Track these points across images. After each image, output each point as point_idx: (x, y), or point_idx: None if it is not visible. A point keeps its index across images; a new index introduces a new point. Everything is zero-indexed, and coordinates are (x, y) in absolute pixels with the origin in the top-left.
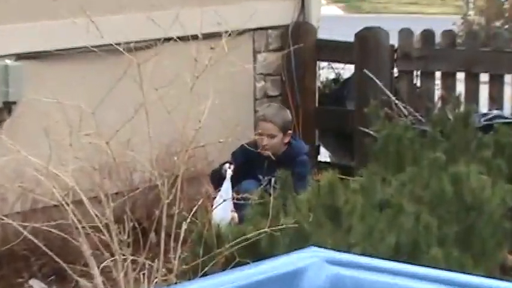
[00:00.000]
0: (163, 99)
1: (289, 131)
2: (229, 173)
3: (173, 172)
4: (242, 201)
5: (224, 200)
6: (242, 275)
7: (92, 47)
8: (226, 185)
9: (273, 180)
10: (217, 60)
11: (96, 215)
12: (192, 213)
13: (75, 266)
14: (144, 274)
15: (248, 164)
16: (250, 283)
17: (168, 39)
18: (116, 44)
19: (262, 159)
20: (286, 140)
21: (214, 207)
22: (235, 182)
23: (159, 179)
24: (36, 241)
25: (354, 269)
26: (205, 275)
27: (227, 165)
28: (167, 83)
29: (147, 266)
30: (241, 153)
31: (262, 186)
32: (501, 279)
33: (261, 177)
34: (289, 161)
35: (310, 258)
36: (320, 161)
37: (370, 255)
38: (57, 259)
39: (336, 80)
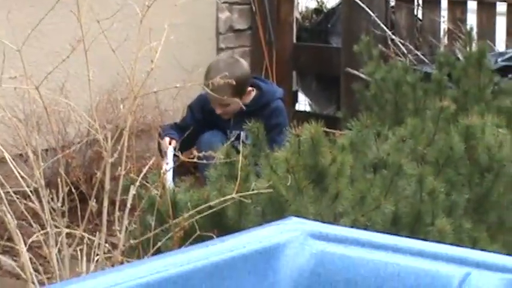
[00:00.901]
0: (106, 34)
1: (249, 89)
2: (170, 151)
3: (118, 124)
4: (204, 161)
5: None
6: (205, 253)
7: None
8: (170, 155)
9: (242, 134)
10: None
11: (23, 177)
12: (141, 174)
13: None
14: (82, 250)
15: (210, 117)
16: (215, 262)
17: None
18: None
19: None
20: (248, 99)
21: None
22: (196, 136)
23: (100, 133)
24: None
25: (343, 244)
26: (158, 252)
27: (167, 142)
28: (111, 14)
29: (86, 240)
30: (199, 106)
31: (229, 142)
32: None
33: (228, 132)
34: (261, 110)
35: (290, 232)
36: (298, 111)
37: (363, 228)
38: None
39: (318, 10)
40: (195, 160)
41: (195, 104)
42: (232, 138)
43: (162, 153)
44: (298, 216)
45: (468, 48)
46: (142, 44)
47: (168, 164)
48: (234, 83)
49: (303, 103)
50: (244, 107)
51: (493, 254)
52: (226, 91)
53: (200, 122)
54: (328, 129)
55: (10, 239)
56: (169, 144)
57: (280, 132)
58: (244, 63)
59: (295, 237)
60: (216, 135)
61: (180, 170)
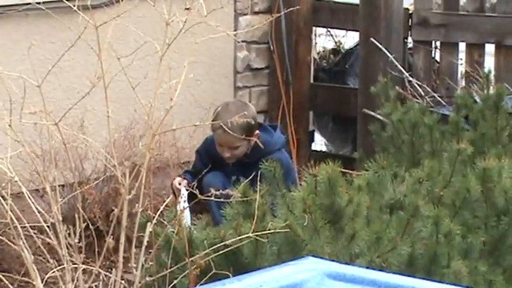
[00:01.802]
0: (126, 71)
1: (256, 132)
2: (184, 190)
3: (135, 161)
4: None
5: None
6: None
7: (38, 3)
8: (184, 193)
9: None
10: (192, 24)
11: (39, 212)
12: (158, 212)
13: (12, 275)
14: (98, 286)
15: (213, 161)
16: None
17: None
18: (68, 1)
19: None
20: (253, 140)
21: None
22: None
23: (117, 169)
24: None
25: (360, 285)
26: None
27: (176, 181)
28: (131, 52)
29: (102, 276)
30: (205, 150)
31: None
32: None
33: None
34: (258, 161)
35: (307, 272)
36: (314, 150)
37: (379, 269)
38: None
39: (335, 51)
40: (211, 198)
41: (201, 148)
42: (234, 178)
43: (175, 194)
44: (314, 256)
45: (486, 91)
46: (161, 81)
47: (184, 203)
48: (248, 121)
49: (320, 143)
50: (245, 157)
51: None
52: (239, 131)
53: (208, 166)
54: (344, 170)
55: (26, 274)
56: (179, 184)
57: (289, 179)
58: (252, 107)
59: (312, 277)
60: (217, 176)
61: (196, 208)
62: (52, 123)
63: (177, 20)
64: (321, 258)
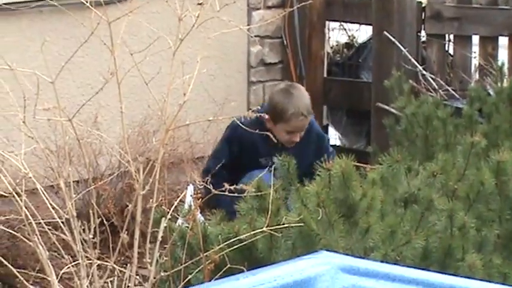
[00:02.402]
0: (139, 67)
1: None
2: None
3: (149, 156)
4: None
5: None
6: (236, 286)
7: (51, 0)
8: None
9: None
10: (206, 19)
11: (54, 208)
12: (172, 207)
13: (27, 272)
14: (113, 282)
15: (248, 149)
16: None
17: None
18: None
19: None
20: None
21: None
22: (238, 169)
23: (131, 165)
24: None
25: (374, 278)
26: (188, 284)
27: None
28: (144, 47)
29: (117, 272)
30: (237, 138)
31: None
32: None
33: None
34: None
35: (321, 266)
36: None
37: (393, 263)
38: (4, 262)
39: (349, 45)
40: (226, 193)
41: (232, 135)
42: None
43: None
44: (328, 250)
45: (499, 84)
46: (174, 77)
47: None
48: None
49: (334, 137)
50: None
51: None
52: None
53: (235, 154)
54: (358, 164)
55: (41, 270)
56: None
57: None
58: None
59: (326, 271)
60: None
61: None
62: (66, 119)
63: (189, 15)
64: (335, 252)
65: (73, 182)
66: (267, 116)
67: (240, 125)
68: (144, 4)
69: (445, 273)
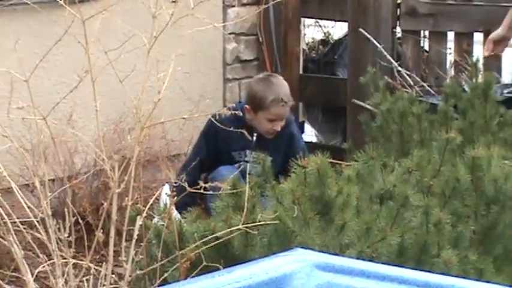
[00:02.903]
0: (114, 64)
1: None
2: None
3: (124, 154)
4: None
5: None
6: (212, 284)
7: None
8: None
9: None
10: (180, 16)
11: (29, 207)
12: (148, 205)
13: (2, 271)
14: (88, 281)
15: (224, 142)
16: None
17: None
18: None
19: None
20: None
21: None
22: (216, 163)
23: (107, 163)
24: None
25: (349, 275)
26: (164, 282)
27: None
28: (119, 45)
29: (92, 271)
30: (214, 132)
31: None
32: None
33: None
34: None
35: (296, 263)
36: (305, 142)
37: (369, 260)
38: None
39: (324, 42)
40: (201, 191)
41: (208, 130)
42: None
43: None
44: (304, 248)
45: (474, 80)
46: (149, 74)
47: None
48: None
49: (310, 134)
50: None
51: (498, 285)
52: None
53: (212, 149)
54: (334, 161)
55: (16, 269)
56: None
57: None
58: None
59: (301, 268)
60: (230, 169)
61: (188, 201)
62: (40, 118)
63: (164, 13)
64: (311, 249)
65: (48, 180)
66: (247, 107)
67: (214, 121)
68: (118, 2)
69: (421, 270)
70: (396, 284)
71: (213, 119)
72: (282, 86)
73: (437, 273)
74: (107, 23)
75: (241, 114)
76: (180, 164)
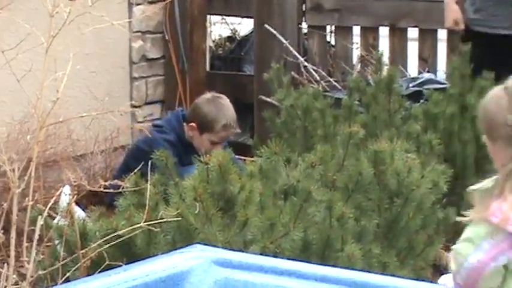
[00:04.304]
0: (13, 64)
1: None
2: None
3: (29, 154)
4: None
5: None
6: (112, 281)
7: None
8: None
9: None
10: (78, 15)
11: None
12: (49, 205)
13: None
14: None
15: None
16: None
17: None
18: None
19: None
20: None
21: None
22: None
23: (8, 164)
24: None
25: (247, 271)
26: (67, 281)
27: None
28: (16, 44)
29: None
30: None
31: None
32: (432, 281)
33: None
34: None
35: (194, 259)
36: None
37: (273, 255)
38: None
39: (231, 38)
40: (101, 189)
41: (149, 149)
42: None
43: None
44: (207, 244)
45: (379, 74)
46: (48, 74)
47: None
48: None
49: None
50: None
51: (402, 279)
52: None
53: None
54: (241, 157)
55: None
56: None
57: None
58: None
59: (199, 265)
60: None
61: (94, 200)
62: None
63: (62, 11)
64: (214, 246)
65: None
66: (193, 125)
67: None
68: (22, 1)
69: (325, 265)
70: (294, 278)
71: (146, 148)
72: (230, 109)
73: (340, 267)
74: (9, 22)
75: (193, 124)
76: (86, 163)
